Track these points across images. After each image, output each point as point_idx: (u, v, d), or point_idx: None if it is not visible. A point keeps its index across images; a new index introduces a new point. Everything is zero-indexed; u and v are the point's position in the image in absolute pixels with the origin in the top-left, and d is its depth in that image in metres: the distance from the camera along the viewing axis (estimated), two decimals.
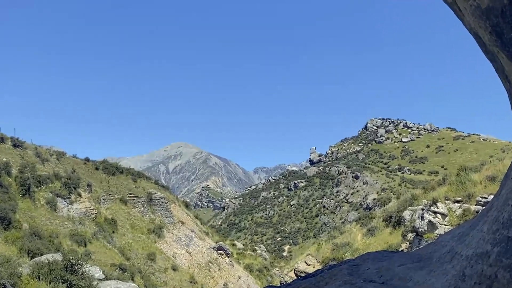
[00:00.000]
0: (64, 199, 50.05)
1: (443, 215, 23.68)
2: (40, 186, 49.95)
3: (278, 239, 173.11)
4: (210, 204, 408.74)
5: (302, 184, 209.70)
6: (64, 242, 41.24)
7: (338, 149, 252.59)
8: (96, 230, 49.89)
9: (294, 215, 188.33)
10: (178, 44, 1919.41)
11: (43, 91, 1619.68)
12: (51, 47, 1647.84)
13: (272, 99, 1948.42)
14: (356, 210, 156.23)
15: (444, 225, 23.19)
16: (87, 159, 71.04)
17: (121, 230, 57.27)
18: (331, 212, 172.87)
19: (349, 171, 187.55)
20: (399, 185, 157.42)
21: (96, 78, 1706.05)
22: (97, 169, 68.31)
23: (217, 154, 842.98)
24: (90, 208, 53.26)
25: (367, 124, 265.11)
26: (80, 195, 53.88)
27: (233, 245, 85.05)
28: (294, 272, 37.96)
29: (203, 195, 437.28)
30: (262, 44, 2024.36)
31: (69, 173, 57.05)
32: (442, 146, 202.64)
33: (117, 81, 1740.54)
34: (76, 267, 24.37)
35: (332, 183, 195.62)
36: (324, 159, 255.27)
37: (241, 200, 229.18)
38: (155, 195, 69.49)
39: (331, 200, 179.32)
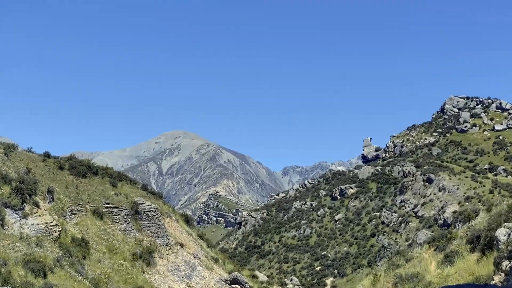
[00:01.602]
0: (15, 210, 50.39)
1: None
2: None
3: (318, 268, 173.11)
4: (220, 218, 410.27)
5: (351, 190, 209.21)
6: (15, 271, 41.57)
7: (403, 141, 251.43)
8: (60, 255, 50.16)
9: (340, 234, 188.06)
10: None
11: None
12: (10, 18, 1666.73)
13: (308, 73, 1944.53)
14: (429, 227, 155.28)
15: None
16: (47, 155, 71.36)
17: (95, 255, 57.57)
18: (393, 231, 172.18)
19: (419, 172, 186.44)
20: (491, 192, 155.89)
21: (52, 43, 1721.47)
22: (61, 168, 68.68)
23: (230, 148, 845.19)
24: (52, 224, 53.55)
25: (444, 105, 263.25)
26: (37, 205, 54.22)
27: (254, 276, 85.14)
28: None
29: (211, 205, 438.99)
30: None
31: (22, 174, 57.40)
32: None
33: (86, 47, 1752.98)
34: None
35: (395, 189, 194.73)
36: (383, 155, 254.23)
37: (265, 213, 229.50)
38: (143, 205, 69.75)
39: (393, 214, 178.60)
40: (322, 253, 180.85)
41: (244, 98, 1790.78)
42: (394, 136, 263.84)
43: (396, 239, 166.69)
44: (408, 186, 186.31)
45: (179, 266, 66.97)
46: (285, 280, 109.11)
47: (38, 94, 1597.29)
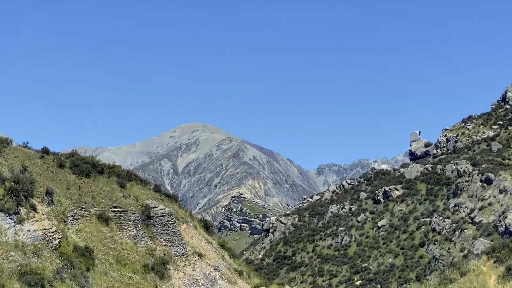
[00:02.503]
0: (9, 215, 50.63)
1: None
2: None
3: (358, 282, 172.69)
4: (245, 225, 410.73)
5: (397, 192, 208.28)
6: (10, 284, 41.84)
7: (457, 135, 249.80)
8: (61, 266, 50.34)
9: (384, 243, 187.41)
10: None
11: None
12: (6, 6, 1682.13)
13: (345, 58, 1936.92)
14: (488, 235, 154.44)
15: None
16: (45, 151, 71.58)
17: (101, 266, 57.76)
18: (446, 239, 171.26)
19: (476, 171, 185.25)
20: None
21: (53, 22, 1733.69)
22: (61, 166, 68.90)
23: (256, 143, 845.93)
24: (51, 230, 53.73)
25: (506, 93, 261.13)
26: (34, 209, 54.43)
27: None
28: None
29: (234, 210, 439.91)
30: None
31: (17, 173, 57.62)
32: None
33: (90, 27, 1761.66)
34: None
35: (448, 191, 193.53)
36: (435, 152, 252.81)
37: (296, 219, 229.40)
38: (156, 209, 69.84)
39: (446, 220, 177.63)
40: (363, 265, 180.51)
41: (272, 87, 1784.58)
42: (447, 129, 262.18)
43: (449, 249, 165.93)
44: (463, 188, 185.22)
45: (197, 279, 67.08)
46: None
47: (34, 84, 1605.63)
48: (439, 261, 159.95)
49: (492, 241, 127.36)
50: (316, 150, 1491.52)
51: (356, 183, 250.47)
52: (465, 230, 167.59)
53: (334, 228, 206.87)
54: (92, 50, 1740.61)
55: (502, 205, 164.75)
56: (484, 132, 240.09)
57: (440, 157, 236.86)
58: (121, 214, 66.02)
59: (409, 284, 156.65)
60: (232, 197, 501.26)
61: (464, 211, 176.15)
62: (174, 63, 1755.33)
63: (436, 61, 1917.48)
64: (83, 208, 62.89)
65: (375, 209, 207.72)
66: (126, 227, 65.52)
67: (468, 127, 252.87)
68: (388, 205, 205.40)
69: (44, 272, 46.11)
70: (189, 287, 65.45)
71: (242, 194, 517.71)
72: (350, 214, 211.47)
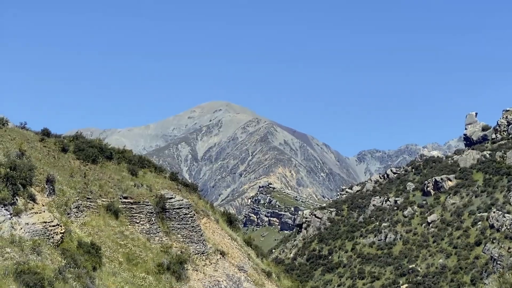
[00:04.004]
0: (5, 205, 50.70)
1: None
2: None
3: (404, 286, 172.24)
4: (274, 219, 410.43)
5: (450, 183, 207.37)
6: (5, 285, 41.91)
7: None
8: (63, 265, 50.37)
9: (434, 241, 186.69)
10: None
11: None
12: None
13: (391, 28, 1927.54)
14: None
15: None
16: (46, 133, 71.67)
17: (109, 266, 57.82)
18: (506, 237, 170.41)
19: None
20: None
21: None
22: (64, 151, 68.95)
23: (288, 125, 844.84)
24: (52, 224, 53.77)
25: None
26: (33, 199, 54.50)
27: None
28: None
29: (262, 201, 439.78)
30: None
31: (13, 158, 57.71)
32: None
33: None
34: None
35: (509, 181, 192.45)
36: (494, 136, 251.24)
37: (334, 213, 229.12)
38: (172, 201, 69.76)
39: (506, 215, 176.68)
40: (410, 266, 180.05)
41: (305, 62, 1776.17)
42: (508, 111, 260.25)
43: (509, 248, 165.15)
44: None
45: (219, 281, 67.03)
46: None
47: (34, 58, 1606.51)
48: (498, 262, 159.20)
49: None
50: (356, 134, 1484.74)
51: (403, 172, 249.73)
52: None
53: (377, 223, 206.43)
54: (98, 17, 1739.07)
55: None
56: None
57: (500, 142, 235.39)
58: (133, 206, 66.01)
59: None
60: (259, 187, 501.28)
61: None
62: (192, 31, 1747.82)
63: (495, 31, 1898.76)
64: (89, 198, 62.94)
65: (424, 202, 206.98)
66: (138, 221, 65.49)
67: None
68: (439, 197, 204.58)
69: (44, 272, 46.11)
70: None
71: (271, 183, 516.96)
72: (395, 208, 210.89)
